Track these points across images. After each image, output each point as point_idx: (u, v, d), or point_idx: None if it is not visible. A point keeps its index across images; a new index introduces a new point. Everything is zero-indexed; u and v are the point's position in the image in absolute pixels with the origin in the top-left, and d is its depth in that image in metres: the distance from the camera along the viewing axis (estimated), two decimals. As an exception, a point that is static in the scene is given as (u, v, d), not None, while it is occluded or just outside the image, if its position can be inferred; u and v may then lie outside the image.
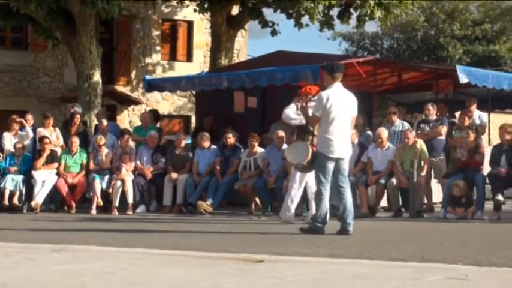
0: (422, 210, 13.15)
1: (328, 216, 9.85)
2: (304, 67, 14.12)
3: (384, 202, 13.72)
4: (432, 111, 14.34)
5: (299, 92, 11.26)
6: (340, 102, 9.62)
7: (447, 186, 12.81)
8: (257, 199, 14.22)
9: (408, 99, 18.33)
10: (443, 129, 14.11)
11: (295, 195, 11.40)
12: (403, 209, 13.15)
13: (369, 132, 14.94)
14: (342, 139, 9.62)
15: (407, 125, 14.40)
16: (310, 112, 10.10)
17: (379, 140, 13.49)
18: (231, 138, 14.68)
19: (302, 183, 11.35)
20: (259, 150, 14.13)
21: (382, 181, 13.15)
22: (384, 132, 13.57)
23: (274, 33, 19.96)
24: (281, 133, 13.94)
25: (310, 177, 10.82)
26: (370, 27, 37.74)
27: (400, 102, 17.98)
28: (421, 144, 13.29)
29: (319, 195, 9.69)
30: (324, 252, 7.76)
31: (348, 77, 15.95)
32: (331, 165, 9.59)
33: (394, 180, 13.04)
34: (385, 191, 13.27)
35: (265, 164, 13.98)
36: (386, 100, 18.90)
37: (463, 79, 14.17)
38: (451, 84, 15.92)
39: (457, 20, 35.66)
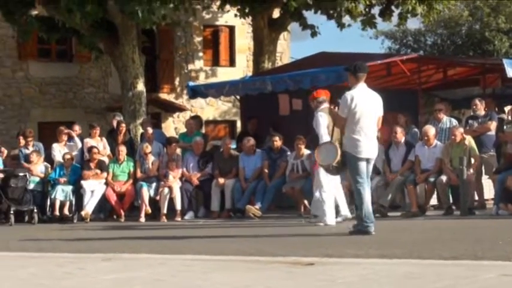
0: (474, 207, 12.96)
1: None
2: (347, 67, 14.01)
3: (433, 200, 13.56)
4: (480, 107, 14.12)
5: (309, 97, 11.38)
6: (365, 102, 9.57)
7: (499, 182, 12.60)
8: (306, 201, 14.15)
9: (455, 95, 18.11)
10: (493, 125, 13.88)
11: (327, 198, 11.38)
12: (453, 207, 12.97)
13: (416, 130, 14.79)
14: (368, 139, 9.60)
15: (454, 122, 14.21)
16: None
17: (426, 137, 13.34)
18: (277, 141, 14.64)
19: (329, 184, 11.35)
20: (306, 152, 14.06)
21: (432, 179, 12.99)
22: (430, 129, 13.42)
23: (314, 34, 19.90)
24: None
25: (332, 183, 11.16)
26: (413, 24, 37.37)
27: (446, 98, 17.77)
28: (469, 140, 13.10)
29: (358, 195, 9.58)
30: (375, 253, 7.68)
31: (392, 75, 15.89)
32: (362, 164, 9.55)
33: (443, 178, 12.87)
34: (435, 189, 13.11)
35: (312, 167, 13.90)
36: (433, 97, 18.70)
37: (511, 73, 13.95)
38: (499, 79, 15.68)
39: (502, 13, 35.08)
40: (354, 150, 9.52)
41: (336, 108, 10.03)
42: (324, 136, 10.94)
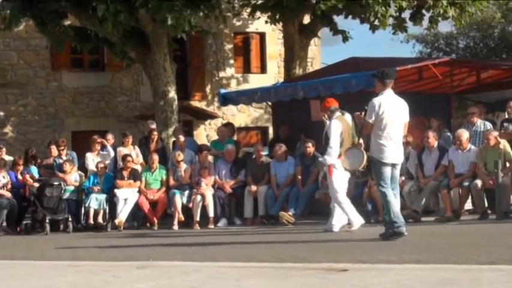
0: (510, 211, 12.80)
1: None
2: (378, 72, 13.96)
3: (468, 205, 13.43)
4: (515, 109, 13.97)
5: (321, 106, 11.89)
6: (392, 109, 9.75)
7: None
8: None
9: (489, 98, 17.94)
10: (528, 127, 13.73)
11: (345, 204, 11.49)
12: (489, 211, 12.84)
13: (449, 134, 14.67)
14: (395, 145, 9.78)
15: (489, 125, 14.06)
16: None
17: (459, 142, 13.22)
18: (310, 147, 14.60)
19: (344, 190, 11.52)
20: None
21: (466, 183, 12.87)
22: (463, 133, 13.30)
23: (345, 39, 19.84)
24: (359, 140, 13.83)
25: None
26: (444, 27, 37.16)
27: (480, 101, 17.61)
28: (504, 144, 12.95)
29: (384, 197, 9.73)
30: (409, 258, 7.63)
31: (424, 79, 15.77)
32: (387, 169, 9.72)
33: (478, 182, 12.74)
34: (469, 193, 12.98)
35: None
36: (466, 101, 18.54)
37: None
38: (534, 81, 15.51)
39: (535, 14, 34.73)
40: (380, 155, 9.68)
41: (363, 114, 10.09)
42: (334, 144, 11.18)
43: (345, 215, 11.53)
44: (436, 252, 8.03)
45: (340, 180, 11.39)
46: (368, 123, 9.76)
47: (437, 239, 9.67)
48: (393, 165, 9.76)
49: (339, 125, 11.36)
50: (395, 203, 9.69)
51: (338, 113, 11.57)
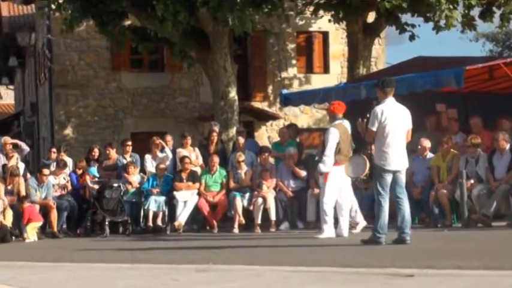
0: None
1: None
2: (446, 72, 13.65)
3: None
4: None
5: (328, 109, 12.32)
6: (394, 116, 10.04)
7: None
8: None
9: None
10: None
11: (328, 209, 11.69)
12: None
13: (522, 136, 14.15)
14: (397, 152, 10.05)
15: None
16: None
17: (531, 144, 12.75)
18: (372, 150, 14.21)
19: (334, 197, 11.74)
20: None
21: (539, 187, 12.38)
22: (536, 135, 12.81)
23: (412, 37, 19.39)
24: (425, 142, 13.52)
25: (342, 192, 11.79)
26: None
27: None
28: None
29: (379, 205, 10.02)
30: (478, 264, 7.42)
31: (495, 79, 15.29)
32: (389, 177, 10.01)
33: (552, 186, 12.24)
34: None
35: (409, 175, 13.47)
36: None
37: None
38: None
39: None
40: (382, 162, 10.00)
41: (365, 121, 10.28)
42: (330, 153, 11.47)
43: (324, 222, 11.69)
44: (508, 258, 7.72)
45: (333, 188, 11.62)
46: (371, 130, 10.03)
47: (509, 245, 9.30)
48: (396, 172, 10.02)
49: (336, 133, 11.57)
50: (386, 215, 9.97)
51: (338, 121, 11.79)
